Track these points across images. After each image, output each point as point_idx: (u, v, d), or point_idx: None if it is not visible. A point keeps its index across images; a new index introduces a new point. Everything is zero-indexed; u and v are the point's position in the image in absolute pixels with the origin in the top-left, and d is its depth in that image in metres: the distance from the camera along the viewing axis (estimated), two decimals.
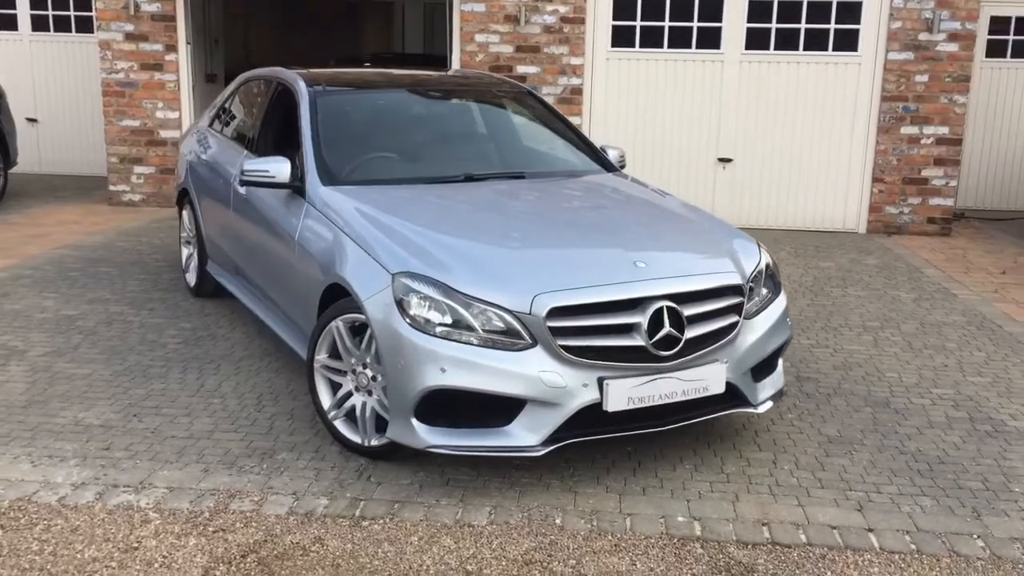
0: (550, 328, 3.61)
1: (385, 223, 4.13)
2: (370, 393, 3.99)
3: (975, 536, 3.55)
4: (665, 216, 4.62)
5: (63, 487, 3.73)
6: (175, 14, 9.40)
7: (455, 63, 9.32)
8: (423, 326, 3.65)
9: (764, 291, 4.22)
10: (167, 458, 4.01)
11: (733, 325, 3.96)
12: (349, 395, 4.08)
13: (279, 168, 4.59)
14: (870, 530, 3.57)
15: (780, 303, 4.29)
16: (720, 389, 3.90)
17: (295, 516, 3.57)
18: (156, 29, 9.42)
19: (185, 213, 6.50)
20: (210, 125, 6.35)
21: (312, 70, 5.47)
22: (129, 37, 9.45)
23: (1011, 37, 10.51)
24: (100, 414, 4.45)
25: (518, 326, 3.63)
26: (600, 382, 3.66)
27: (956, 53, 9.00)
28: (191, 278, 6.45)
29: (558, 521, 3.58)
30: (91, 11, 10.72)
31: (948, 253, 8.55)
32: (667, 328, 3.72)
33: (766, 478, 3.97)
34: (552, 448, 3.67)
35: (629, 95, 9.35)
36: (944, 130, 9.14)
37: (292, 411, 4.54)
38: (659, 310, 3.72)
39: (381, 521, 3.55)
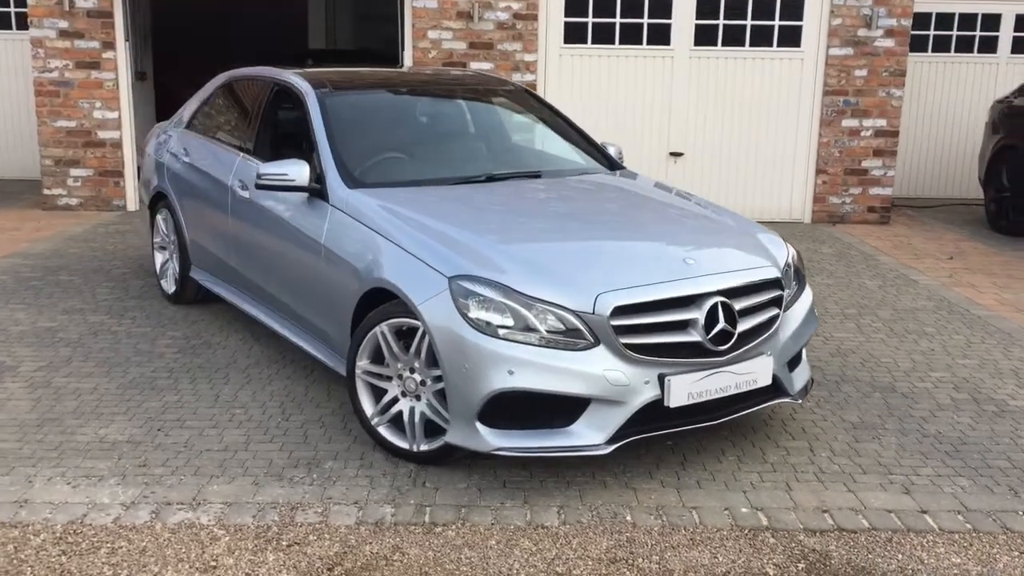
0: (613, 327, 3.63)
1: (426, 225, 4.08)
2: (418, 398, 3.94)
3: (1020, 513, 3.72)
4: (692, 213, 4.69)
5: (113, 507, 3.58)
6: (112, 10, 9.04)
7: (407, 60, 9.24)
8: (485, 328, 3.63)
9: (794, 284, 4.33)
10: (211, 472, 3.88)
11: (775, 318, 4.05)
12: (394, 401, 4.02)
13: (298, 171, 4.49)
14: (924, 512, 3.71)
15: (807, 295, 4.42)
16: (768, 381, 3.99)
17: (365, 526, 3.50)
18: (92, 26, 9.05)
19: (160, 217, 6.28)
20: (188, 127, 6.14)
21: (310, 70, 5.35)
22: (63, 34, 9.05)
23: (932, 32, 10.99)
24: (122, 430, 4.27)
25: (580, 325, 3.64)
26: (661, 379, 3.71)
27: (892, 48, 9.37)
28: (168, 285, 6.24)
29: (629, 518, 3.61)
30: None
31: (893, 240, 8.90)
32: (722, 323, 3.79)
33: (808, 466, 4.08)
34: (617, 446, 3.70)
35: (582, 91, 9.42)
36: (882, 122, 9.51)
37: (321, 419, 4.45)
38: (714, 306, 3.78)
39: (453, 527, 3.52)
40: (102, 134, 9.27)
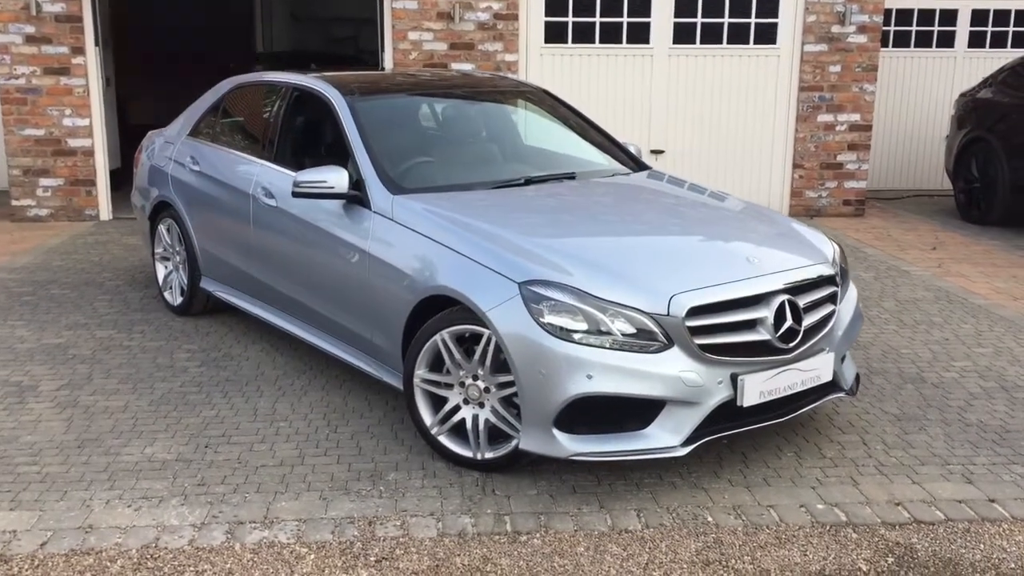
0: (689, 328, 3.62)
1: (482, 229, 4.02)
2: (482, 405, 3.89)
3: None
4: (735, 212, 4.71)
5: (184, 529, 3.45)
6: (81, 14, 8.75)
7: (387, 61, 9.12)
8: (559, 333, 3.59)
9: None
10: (274, 488, 3.77)
11: (831, 314, 4.08)
12: (455, 409, 3.95)
13: (336, 178, 4.38)
14: (992, 500, 3.77)
15: (853, 291, 4.46)
16: (829, 377, 4.03)
17: (449, 537, 3.44)
18: (61, 31, 8.75)
19: (163, 228, 6.09)
20: (192, 134, 5.96)
21: (331, 74, 5.24)
22: (30, 40, 8.73)
23: (892, 28, 11.22)
24: (168, 448, 4.13)
25: (654, 327, 3.62)
26: (733, 378, 3.70)
27: (865, 44, 9.54)
28: (173, 296, 6.06)
29: (710, 519, 3.60)
30: None
31: (873, 232, 9.07)
32: (790, 321, 3.80)
33: (867, 459, 4.12)
34: (692, 447, 3.69)
35: (563, 90, 9.33)
36: (856, 117, 9.68)
37: (369, 429, 4.36)
38: (782, 304, 3.80)
39: (538, 535, 3.47)
40: (72, 142, 8.97)
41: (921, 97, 11.47)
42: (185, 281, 5.89)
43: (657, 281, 3.71)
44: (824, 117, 9.64)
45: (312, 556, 3.29)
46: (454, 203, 4.32)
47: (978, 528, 3.56)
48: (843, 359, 4.30)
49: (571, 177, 4.92)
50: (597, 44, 9.35)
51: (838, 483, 3.90)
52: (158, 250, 6.20)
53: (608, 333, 3.60)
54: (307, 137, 5.10)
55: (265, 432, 4.30)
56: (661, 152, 9.62)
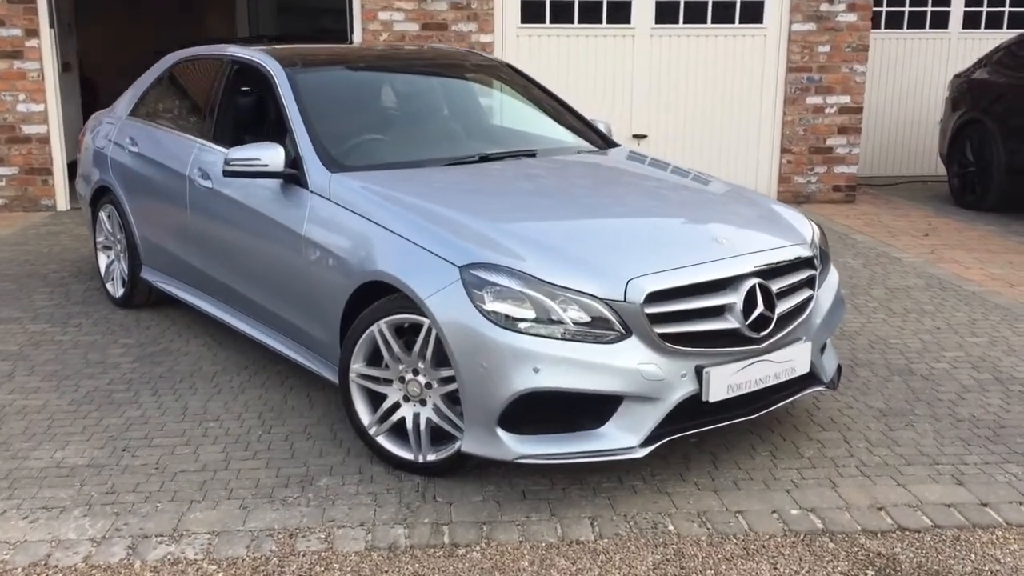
0: (648, 315, 3.25)
1: (426, 209, 3.65)
2: (423, 403, 3.52)
3: None
4: (704, 190, 4.34)
5: (81, 544, 3.09)
6: None
7: (356, 42, 8.74)
8: (503, 322, 3.22)
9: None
10: (190, 496, 3.41)
11: (809, 300, 3.72)
12: (395, 407, 3.59)
13: (271, 155, 4.01)
14: (984, 504, 3.41)
15: (834, 276, 4.10)
16: (806, 369, 3.66)
17: (378, 551, 3.07)
18: (13, 12, 8.36)
19: (103, 214, 5.71)
20: (132, 114, 5.58)
21: (275, 47, 4.87)
22: None
23: (885, 8, 10.83)
24: (81, 451, 3.76)
25: (610, 315, 3.26)
26: (698, 371, 3.34)
27: (855, 23, 9.16)
28: (115, 288, 5.69)
29: (671, 527, 3.24)
30: None
31: (863, 219, 8.70)
32: (761, 307, 3.44)
33: (848, 459, 3.76)
34: (652, 448, 3.32)
35: (540, 73, 8.92)
36: (846, 99, 9.30)
37: (306, 429, 3.99)
38: (752, 288, 3.43)
39: (478, 547, 3.11)
40: (27, 129, 8.58)
41: (914, 80, 11.08)
42: (127, 271, 5.52)
43: (613, 264, 3.34)
44: (813, 99, 9.27)
45: (220, 575, 2.93)
46: (397, 181, 3.95)
47: (968, 536, 3.20)
48: (823, 349, 3.94)
49: (531, 155, 4.55)
50: (576, 24, 8.97)
51: (816, 486, 3.54)
52: (100, 239, 5.83)
53: (559, 322, 3.24)
54: (247, 113, 4.73)
55: (191, 433, 3.94)
56: (644, 137, 9.25)
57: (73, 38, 10.00)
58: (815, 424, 4.08)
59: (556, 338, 3.22)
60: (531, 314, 3.23)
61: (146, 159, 5.20)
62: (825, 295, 3.91)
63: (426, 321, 3.39)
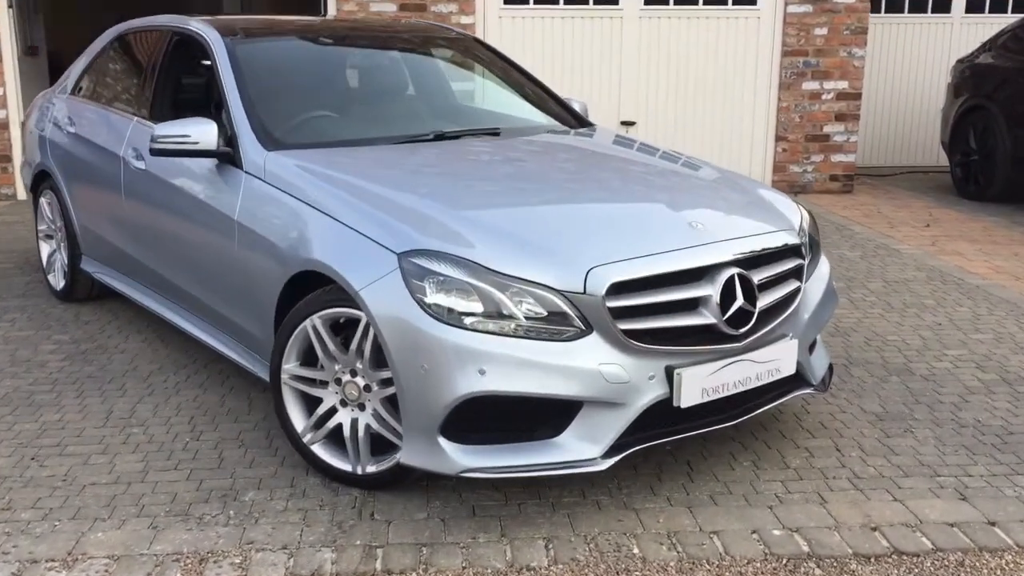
0: (610, 309, 2.86)
1: (366, 190, 3.26)
2: (362, 407, 3.13)
3: None
4: (685, 172, 3.94)
5: None
6: None
7: None
8: (446, 317, 2.83)
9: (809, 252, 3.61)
10: (95, 514, 3.02)
11: (796, 292, 3.33)
12: (331, 412, 3.20)
13: (203, 131, 3.62)
14: (992, 523, 3.02)
15: (825, 265, 3.71)
16: (792, 369, 3.27)
17: None
18: None
19: (44, 201, 5.32)
20: (74, 92, 5.19)
21: (217, 17, 4.48)
22: None
23: None
24: None
25: (568, 309, 2.87)
26: (668, 372, 2.95)
27: (853, 4, 8.75)
28: (56, 279, 5.30)
29: (636, 551, 2.85)
30: None
31: (862, 210, 8.30)
32: (740, 300, 3.04)
33: (839, 470, 3.37)
34: (615, 460, 2.93)
35: (524, 56, 8.57)
36: (844, 84, 8.90)
37: (240, 436, 3.61)
38: (730, 279, 3.04)
39: (414, 574, 2.72)
40: None
41: (915, 67, 10.67)
42: (67, 262, 5.12)
43: (573, 252, 2.95)
44: (809, 85, 8.86)
45: None
46: (338, 160, 3.56)
47: (974, 560, 2.82)
48: (812, 348, 3.55)
49: (495, 133, 4.15)
50: (561, 5, 8.57)
51: (802, 501, 3.15)
52: (41, 227, 5.44)
53: (509, 317, 2.85)
54: (185, 88, 4.34)
55: (111, 440, 3.55)
56: (632, 123, 8.85)
57: (40, 21, 9.58)
58: (803, 430, 3.69)
59: (506, 335, 2.83)
60: (478, 308, 2.85)
61: (83, 140, 4.81)
62: (814, 287, 3.52)
63: (363, 316, 3.00)
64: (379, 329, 2.91)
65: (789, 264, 3.31)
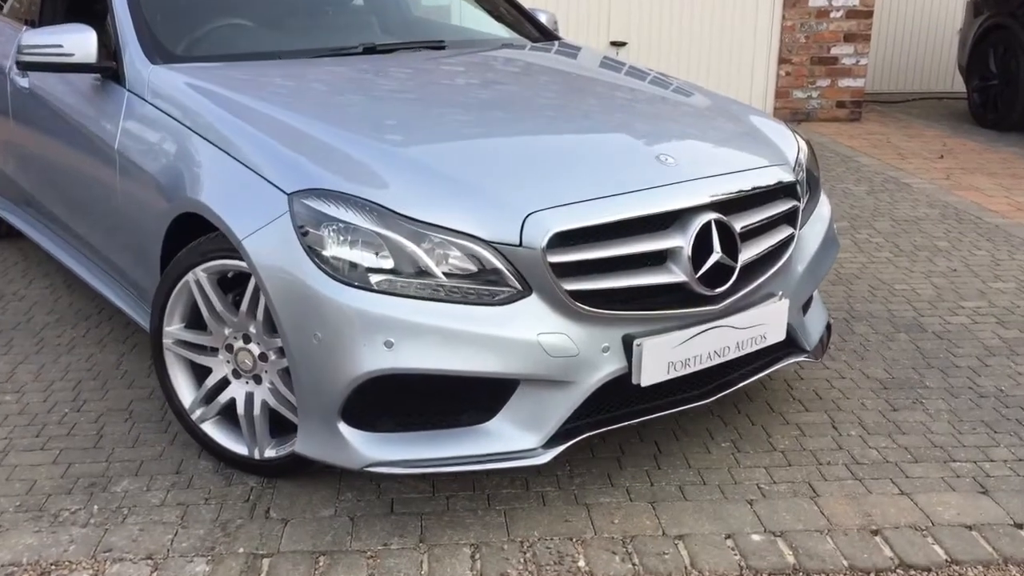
0: (552, 265, 2.28)
1: (264, 115, 2.66)
2: (258, 380, 2.58)
3: None
4: (661, 96, 3.32)
5: None
6: None
7: None
8: (348, 275, 2.26)
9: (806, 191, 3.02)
10: None
11: (788, 241, 2.75)
12: (225, 383, 2.64)
13: (78, 40, 3.00)
14: (1018, 526, 2.48)
15: (825, 206, 3.12)
16: (781, 335, 2.71)
17: None
18: None
19: None
20: None
21: None
22: None
23: None
24: None
25: (500, 265, 2.29)
26: (627, 343, 2.38)
27: None
28: None
29: (581, 563, 2.32)
30: None
31: (870, 139, 7.65)
32: (718, 253, 2.46)
33: (835, 452, 2.83)
34: (560, 450, 2.38)
35: None
36: (855, 1, 8.17)
37: (129, 406, 3.06)
38: (706, 226, 2.45)
39: None
40: None
41: None
42: None
43: (509, 194, 2.36)
44: (816, 1, 8.13)
45: None
46: (236, 76, 2.95)
47: None
48: (806, 306, 2.98)
49: (439, 47, 3.52)
50: None
51: (789, 494, 2.61)
52: None
53: (427, 275, 2.27)
54: None
55: None
56: (623, 44, 8.14)
57: None
58: (794, 400, 3.14)
59: (422, 298, 2.26)
60: (388, 263, 2.27)
61: None
62: (812, 233, 2.94)
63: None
64: (265, 287, 2.34)
65: (781, 207, 2.72)
